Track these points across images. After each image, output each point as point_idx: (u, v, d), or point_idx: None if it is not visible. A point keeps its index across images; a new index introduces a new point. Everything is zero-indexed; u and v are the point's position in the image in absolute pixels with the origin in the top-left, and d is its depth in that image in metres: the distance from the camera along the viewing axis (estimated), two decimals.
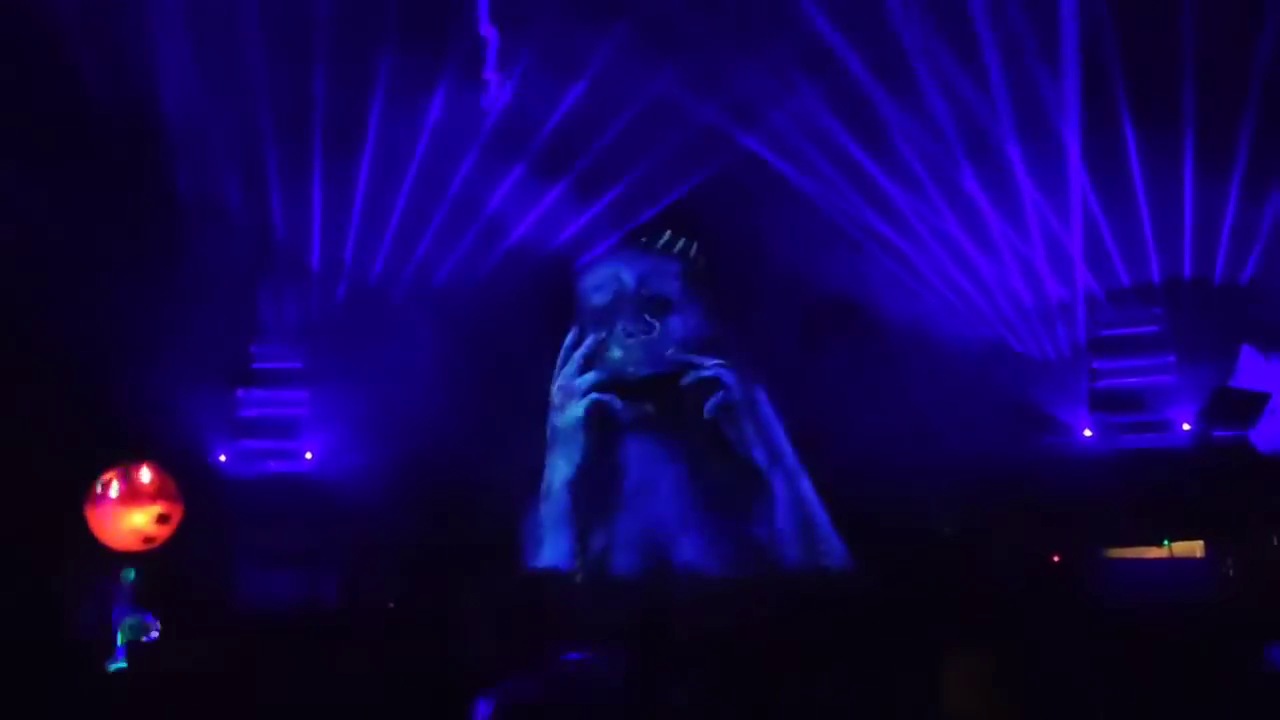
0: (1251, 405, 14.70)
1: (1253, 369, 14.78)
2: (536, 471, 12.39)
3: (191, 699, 6.37)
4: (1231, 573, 13.40)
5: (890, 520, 13.01)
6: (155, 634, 11.59)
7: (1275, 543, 13.77)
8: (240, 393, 16.13)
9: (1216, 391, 14.90)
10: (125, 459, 13.73)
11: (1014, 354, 15.37)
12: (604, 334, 12.29)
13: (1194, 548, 14.01)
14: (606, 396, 12.33)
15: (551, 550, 11.86)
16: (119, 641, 11.61)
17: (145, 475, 13.64)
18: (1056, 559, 13.66)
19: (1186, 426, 15.15)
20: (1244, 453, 14.48)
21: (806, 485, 12.01)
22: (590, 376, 12.17)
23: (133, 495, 13.49)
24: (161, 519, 13.52)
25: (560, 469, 12.01)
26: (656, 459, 12.49)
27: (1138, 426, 15.40)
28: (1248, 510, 13.67)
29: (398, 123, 15.34)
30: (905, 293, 15.45)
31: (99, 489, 13.49)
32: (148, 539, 13.52)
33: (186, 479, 14.22)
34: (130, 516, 13.41)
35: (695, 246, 12.43)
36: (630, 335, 12.31)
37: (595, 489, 12.49)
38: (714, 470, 12.55)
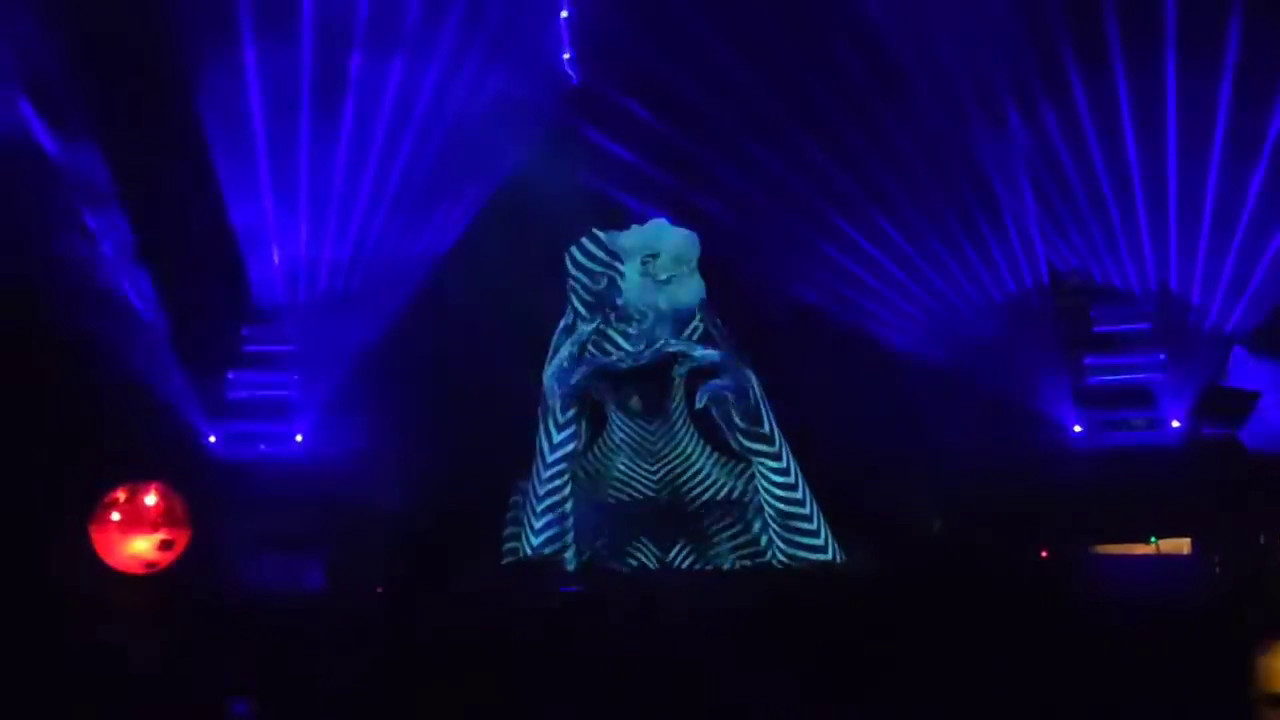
0: (1242, 404, 14.74)
1: (1243, 368, 14.82)
2: (526, 459, 12.35)
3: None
4: (1218, 570, 13.44)
5: (880, 514, 13.03)
6: None
7: (1262, 541, 13.81)
8: (231, 374, 16.06)
9: (1207, 390, 14.94)
10: (133, 478, 13.20)
11: (1005, 350, 15.37)
12: (597, 321, 12.24)
13: (1181, 545, 14.05)
14: (598, 387, 12.29)
15: (540, 538, 11.83)
16: None
17: (150, 499, 13.08)
18: (1045, 554, 13.70)
19: (1176, 424, 15.18)
20: (1233, 451, 14.52)
21: (798, 478, 11.99)
22: (583, 366, 12.12)
23: (135, 520, 12.95)
24: (165, 545, 13.03)
25: (550, 456, 11.97)
26: (648, 450, 12.46)
27: (1127, 423, 15.43)
28: (1236, 508, 13.70)
29: (388, 104, 15.38)
30: (894, 288, 15.50)
31: (102, 510, 12.98)
32: (150, 564, 13.05)
33: (176, 460, 14.12)
34: (132, 543, 12.91)
35: (690, 238, 12.39)
36: (623, 322, 12.27)
37: (586, 478, 12.47)
38: (705, 460, 12.53)
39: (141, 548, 12.94)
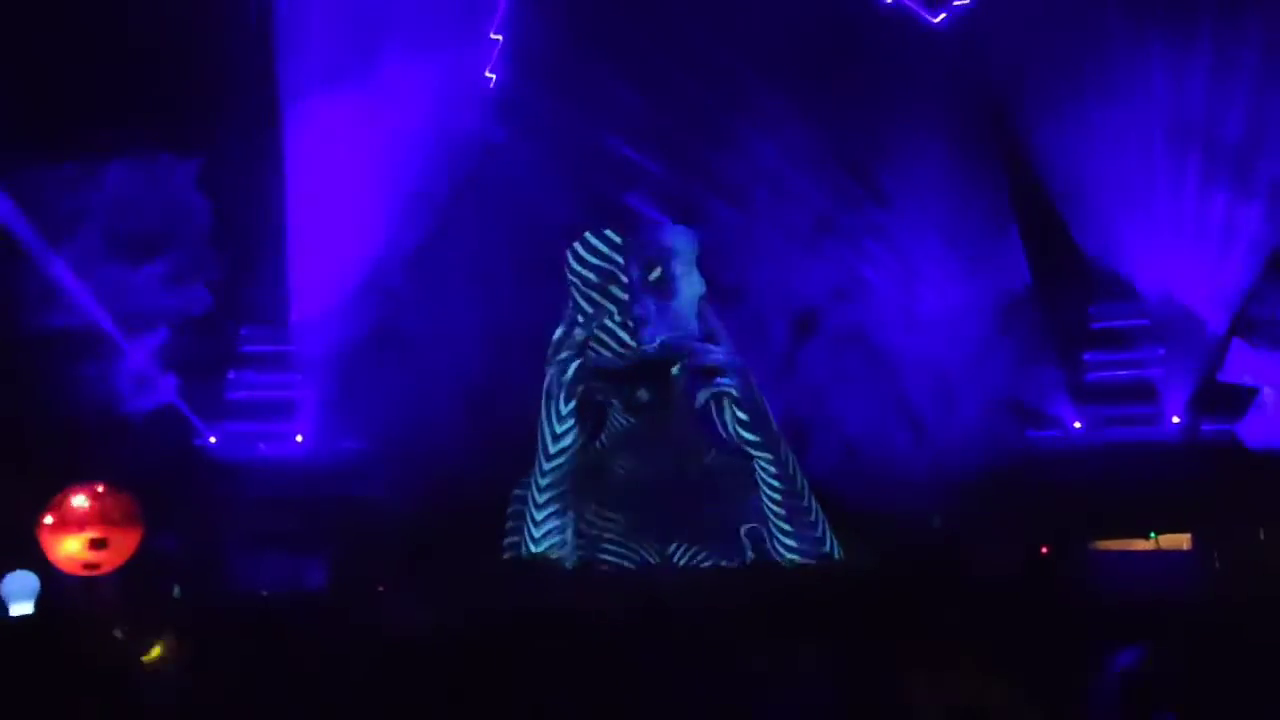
0: (1240, 399, 14.76)
1: (1242, 363, 14.83)
2: (527, 457, 12.36)
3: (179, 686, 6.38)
4: (1218, 565, 13.47)
5: (879, 510, 13.04)
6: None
7: (1261, 537, 13.83)
8: (231, 374, 16.10)
9: (1205, 385, 14.96)
10: (81, 480, 13.04)
11: (1003, 346, 15.40)
12: (596, 321, 12.23)
13: (1181, 540, 14.07)
14: (598, 384, 12.28)
15: (540, 532, 11.83)
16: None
17: (77, 500, 12.84)
18: (1045, 550, 13.71)
19: (1176, 420, 15.20)
20: (1232, 447, 14.54)
21: (797, 473, 11.98)
22: (584, 363, 12.10)
23: (64, 522, 12.76)
24: (96, 544, 12.74)
25: (552, 449, 11.95)
26: (648, 447, 12.45)
27: (1127, 419, 15.46)
28: (1235, 504, 13.72)
29: (399, 101, 15.47)
30: (895, 286, 15.54)
31: (42, 514, 12.84)
32: (88, 565, 12.81)
33: (173, 463, 14.14)
34: (63, 544, 12.72)
35: (689, 235, 12.41)
36: (622, 320, 12.27)
37: (586, 477, 12.46)
38: (706, 458, 12.53)
39: (72, 548, 12.71)
